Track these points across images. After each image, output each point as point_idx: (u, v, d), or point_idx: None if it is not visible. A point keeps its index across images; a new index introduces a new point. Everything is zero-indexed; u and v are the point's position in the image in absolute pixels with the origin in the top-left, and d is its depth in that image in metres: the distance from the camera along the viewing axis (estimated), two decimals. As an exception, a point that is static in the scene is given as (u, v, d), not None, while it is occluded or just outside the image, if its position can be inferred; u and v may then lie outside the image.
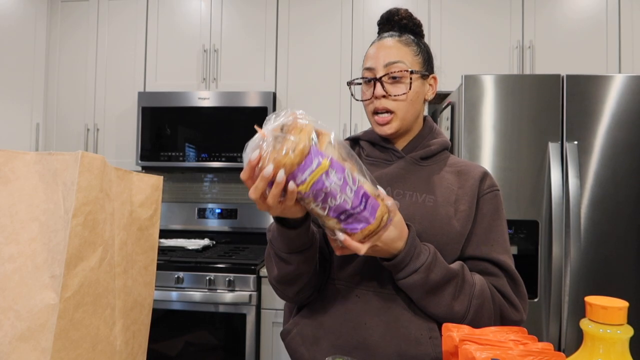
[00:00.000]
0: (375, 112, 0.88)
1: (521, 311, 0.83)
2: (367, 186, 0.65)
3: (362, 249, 0.67)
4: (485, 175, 0.89)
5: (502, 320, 0.81)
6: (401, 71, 0.85)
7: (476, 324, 0.78)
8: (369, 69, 0.88)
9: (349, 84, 0.93)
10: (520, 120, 1.76)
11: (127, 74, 2.50)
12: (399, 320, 0.80)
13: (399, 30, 0.92)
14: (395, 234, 0.73)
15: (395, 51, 0.87)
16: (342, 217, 0.64)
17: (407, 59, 0.87)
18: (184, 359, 1.96)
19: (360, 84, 0.92)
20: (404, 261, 0.75)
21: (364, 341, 0.80)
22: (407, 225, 0.76)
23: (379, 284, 0.82)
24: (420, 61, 0.89)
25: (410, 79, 0.86)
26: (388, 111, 0.87)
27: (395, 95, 0.86)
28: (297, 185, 0.61)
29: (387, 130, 0.88)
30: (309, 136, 0.61)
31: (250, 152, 0.61)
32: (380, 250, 0.73)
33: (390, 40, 0.89)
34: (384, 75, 0.86)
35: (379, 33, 0.96)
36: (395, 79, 0.86)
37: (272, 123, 0.62)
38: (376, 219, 0.65)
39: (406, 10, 0.94)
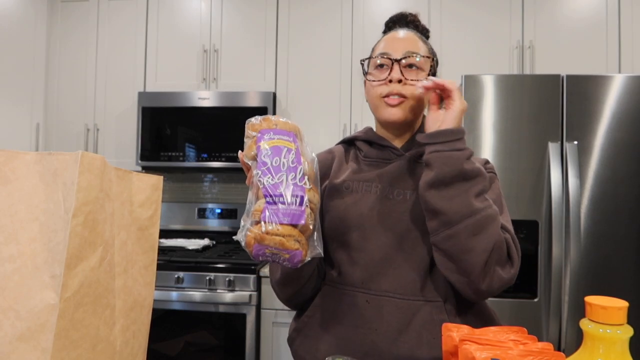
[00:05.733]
0: (386, 96, 0.85)
1: (515, 269, 0.77)
2: (310, 194, 0.66)
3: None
4: (486, 161, 0.89)
5: (495, 267, 0.74)
6: (423, 57, 0.84)
7: (475, 238, 0.72)
8: (384, 54, 0.86)
9: (363, 61, 0.90)
10: (520, 120, 1.76)
11: (127, 74, 2.50)
12: (411, 324, 0.78)
13: (414, 29, 0.92)
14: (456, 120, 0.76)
15: (414, 43, 0.86)
16: (269, 200, 0.64)
17: (423, 52, 0.86)
18: (184, 359, 1.96)
19: (365, 72, 0.90)
20: (457, 134, 0.75)
21: (374, 347, 0.78)
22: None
23: (390, 289, 0.80)
24: (430, 62, 0.88)
25: (431, 65, 0.86)
26: (401, 96, 0.84)
27: (412, 80, 0.83)
28: (264, 137, 0.67)
29: (395, 113, 0.84)
30: (296, 126, 0.71)
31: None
32: (450, 113, 0.76)
33: (409, 32, 0.88)
34: (403, 58, 0.84)
35: (386, 32, 0.94)
36: (411, 67, 0.84)
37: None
38: (289, 225, 0.64)
39: (417, 15, 0.95)
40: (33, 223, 0.48)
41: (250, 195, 0.66)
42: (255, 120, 0.70)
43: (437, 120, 0.78)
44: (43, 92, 2.52)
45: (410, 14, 0.94)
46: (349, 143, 0.98)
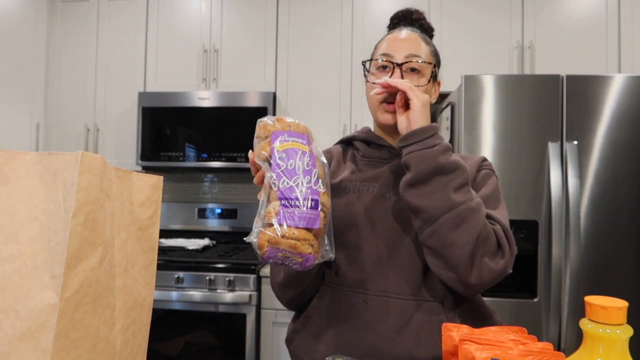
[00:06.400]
0: (385, 101, 0.85)
1: (506, 259, 0.75)
2: (323, 198, 0.66)
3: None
4: (483, 159, 0.89)
5: (483, 258, 0.73)
6: (422, 63, 0.84)
7: (457, 231, 0.71)
8: (386, 55, 0.85)
9: (365, 62, 0.89)
10: (520, 120, 1.76)
11: (127, 74, 2.50)
12: (409, 324, 0.78)
13: (418, 28, 0.91)
14: (423, 117, 0.76)
15: (417, 45, 0.85)
16: (285, 203, 0.63)
17: (426, 55, 0.85)
18: (184, 359, 1.96)
19: (367, 70, 0.89)
20: (428, 131, 0.75)
21: (373, 347, 0.78)
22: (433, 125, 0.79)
23: (388, 289, 0.80)
24: (434, 62, 0.88)
25: (432, 71, 0.85)
26: None
27: (414, 85, 0.82)
28: (278, 139, 0.66)
29: (393, 117, 0.84)
30: (307, 128, 0.70)
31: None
32: (413, 113, 0.76)
33: (412, 33, 0.87)
34: (404, 63, 0.83)
35: (391, 28, 0.94)
36: (413, 71, 0.84)
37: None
38: (305, 228, 0.63)
39: (423, 12, 0.94)
40: (33, 223, 0.48)
41: (263, 197, 0.66)
42: (268, 120, 0.69)
43: (405, 122, 0.78)
44: (43, 92, 2.52)
45: (416, 10, 0.93)
46: (347, 143, 0.97)
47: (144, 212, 0.60)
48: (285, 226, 0.62)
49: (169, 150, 2.35)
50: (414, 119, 0.76)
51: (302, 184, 0.64)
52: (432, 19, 2.31)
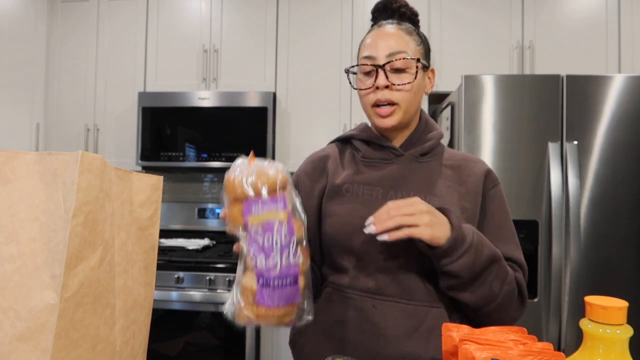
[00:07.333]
0: (376, 104, 0.82)
1: (525, 305, 0.84)
2: (302, 259, 0.63)
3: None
4: (488, 172, 0.87)
5: (510, 311, 0.81)
6: (406, 60, 0.80)
7: (498, 310, 0.78)
8: (368, 58, 0.82)
9: (347, 71, 0.87)
10: (520, 120, 1.76)
11: (127, 74, 2.50)
12: (419, 329, 0.77)
13: (398, 18, 0.87)
14: (440, 228, 0.70)
15: (398, 40, 0.81)
16: (263, 282, 0.61)
17: (410, 48, 0.82)
18: (184, 359, 1.96)
19: (355, 73, 0.86)
20: (458, 239, 0.71)
21: (382, 352, 0.77)
22: (444, 209, 0.74)
23: (398, 293, 0.79)
24: (422, 51, 0.84)
25: (417, 67, 0.81)
26: (391, 103, 0.81)
27: (399, 85, 0.80)
28: (251, 211, 0.60)
29: (389, 122, 0.82)
30: (284, 177, 0.63)
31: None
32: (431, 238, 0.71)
33: (392, 28, 0.83)
34: (387, 63, 0.80)
35: (374, 22, 0.90)
36: (397, 70, 0.81)
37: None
38: (280, 307, 0.61)
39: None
40: (33, 223, 0.48)
41: (240, 268, 0.63)
42: (235, 180, 0.61)
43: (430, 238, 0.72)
44: (43, 92, 2.52)
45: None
46: (344, 142, 0.94)
47: (144, 212, 0.60)
48: (264, 307, 0.60)
49: (169, 150, 2.35)
50: (435, 239, 0.70)
51: (281, 260, 0.60)
52: (432, 19, 2.31)
